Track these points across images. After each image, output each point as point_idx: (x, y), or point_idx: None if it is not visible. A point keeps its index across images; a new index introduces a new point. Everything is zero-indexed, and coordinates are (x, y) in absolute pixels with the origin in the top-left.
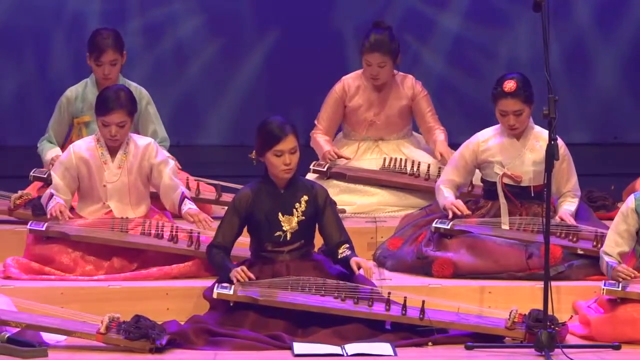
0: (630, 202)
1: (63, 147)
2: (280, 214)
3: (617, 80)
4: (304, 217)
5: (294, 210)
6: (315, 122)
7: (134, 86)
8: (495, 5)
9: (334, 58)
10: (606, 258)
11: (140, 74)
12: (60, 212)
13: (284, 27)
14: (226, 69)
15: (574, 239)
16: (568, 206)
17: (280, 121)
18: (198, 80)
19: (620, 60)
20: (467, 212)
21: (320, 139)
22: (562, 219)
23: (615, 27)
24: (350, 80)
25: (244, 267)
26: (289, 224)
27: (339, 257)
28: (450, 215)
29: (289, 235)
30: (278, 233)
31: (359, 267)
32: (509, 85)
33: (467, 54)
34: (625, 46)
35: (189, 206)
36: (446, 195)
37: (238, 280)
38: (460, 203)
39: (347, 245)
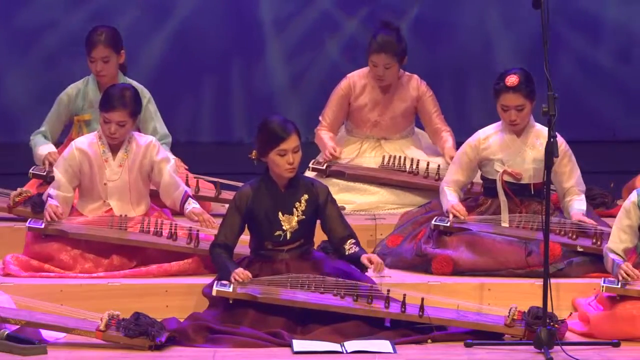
0: (633, 197)
1: (57, 145)
2: (280, 213)
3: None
4: (304, 217)
5: (294, 209)
6: (320, 118)
7: (134, 84)
8: None
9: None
10: (611, 255)
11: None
12: (55, 213)
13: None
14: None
15: (574, 237)
16: (579, 206)
17: (282, 120)
18: None
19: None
20: (466, 215)
21: (325, 136)
22: (580, 222)
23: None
24: (357, 79)
25: (242, 269)
26: (288, 223)
27: (347, 253)
28: (451, 218)
29: (288, 235)
30: (278, 232)
31: (371, 263)
32: (511, 80)
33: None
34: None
35: (193, 205)
36: (449, 199)
37: (238, 282)
38: (459, 206)
39: (354, 241)
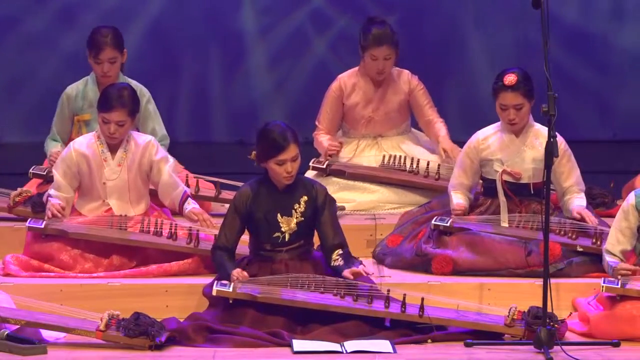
0: (631, 198)
1: (67, 144)
2: (279, 215)
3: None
4: (302, 218)
5: (293, 211)
6: (316, 122)
7: (134, 84)
8: None
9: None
10: (608, 257)
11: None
12: (58, 211)
13: None
14: None
15: (574, 237)
16: (579, 202)
17: (282, 129)
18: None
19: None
20: (465, 211)
21: (323, 139)
22: (582, 215)
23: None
24: (346, 78)
25: (240, 270)
26: (287, 225)
27: (332, 264)
28: (453, 218)
29: (287, 237)
30: (276, 234)
31: (353, 275)
32: (510, 78)
33: None
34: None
35: (192, 205)
36: (454, 202)
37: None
38: (459, 206)
39: (340, 252)
